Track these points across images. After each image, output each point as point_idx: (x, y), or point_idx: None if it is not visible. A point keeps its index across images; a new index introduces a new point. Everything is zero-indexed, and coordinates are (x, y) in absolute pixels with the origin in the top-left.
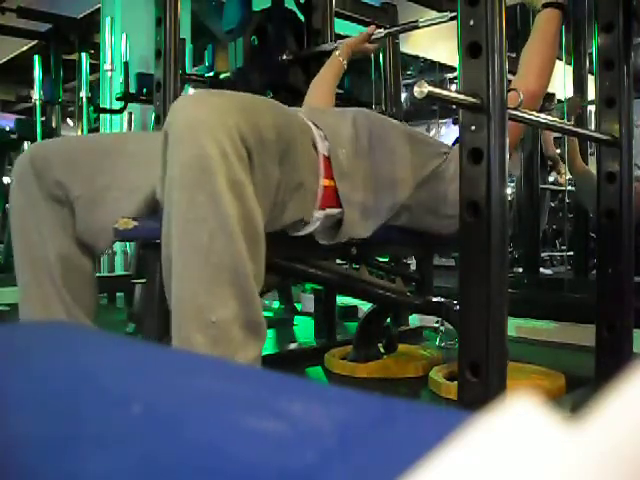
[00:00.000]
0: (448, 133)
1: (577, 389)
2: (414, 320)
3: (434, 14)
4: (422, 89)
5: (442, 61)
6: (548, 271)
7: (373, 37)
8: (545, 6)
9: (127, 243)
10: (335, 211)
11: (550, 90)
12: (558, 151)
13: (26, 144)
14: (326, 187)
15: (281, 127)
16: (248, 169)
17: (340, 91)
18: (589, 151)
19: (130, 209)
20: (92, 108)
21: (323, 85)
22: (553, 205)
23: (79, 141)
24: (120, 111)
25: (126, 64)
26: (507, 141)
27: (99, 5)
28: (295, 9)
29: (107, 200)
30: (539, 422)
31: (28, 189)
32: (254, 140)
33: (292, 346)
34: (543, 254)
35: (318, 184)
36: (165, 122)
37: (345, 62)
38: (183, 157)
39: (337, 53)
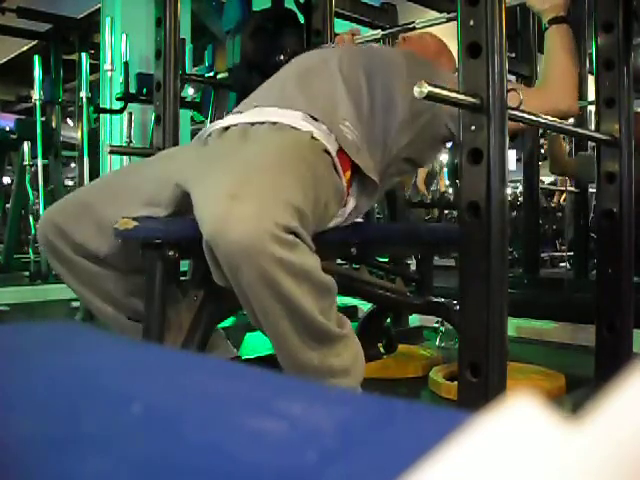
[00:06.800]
0: None
1: (577, 389)
2: (414, 320)
3: (434, 14)
4: (422, 89)
5: None
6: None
7: (366, 39)
8: (552, 22)
9: None
10: (350, 199)
11: None
12: None
13: (26, 144)
14: (347, 181)
15: (311, 183)
16: (300, 244)
17: None
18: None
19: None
20: (92, 108)
21: None
22: (553, 205)
23: (86, 194)
24: (120, 111)
25: (126, 64)
26: (507, 141)
27: (99, 5)
28: (295, 9)
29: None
30: (539, 422)
31: (56, 255)
32: (297, 220)
33: None
34: (543, 254)
35: (343, 185)
36: (206, 235)
37: None
38: (248, 279)
39: None
